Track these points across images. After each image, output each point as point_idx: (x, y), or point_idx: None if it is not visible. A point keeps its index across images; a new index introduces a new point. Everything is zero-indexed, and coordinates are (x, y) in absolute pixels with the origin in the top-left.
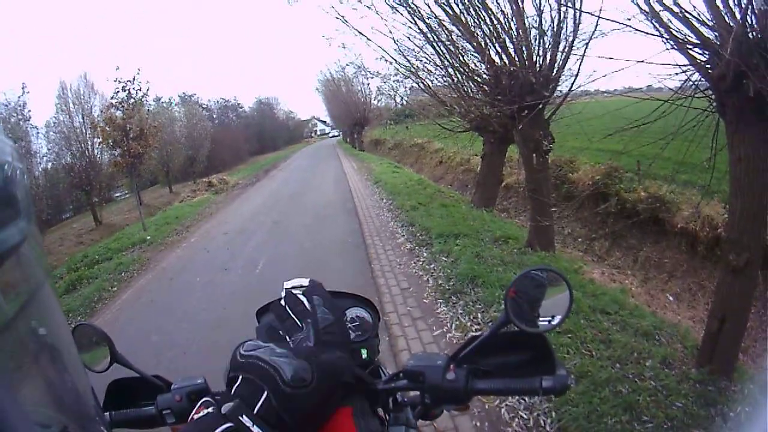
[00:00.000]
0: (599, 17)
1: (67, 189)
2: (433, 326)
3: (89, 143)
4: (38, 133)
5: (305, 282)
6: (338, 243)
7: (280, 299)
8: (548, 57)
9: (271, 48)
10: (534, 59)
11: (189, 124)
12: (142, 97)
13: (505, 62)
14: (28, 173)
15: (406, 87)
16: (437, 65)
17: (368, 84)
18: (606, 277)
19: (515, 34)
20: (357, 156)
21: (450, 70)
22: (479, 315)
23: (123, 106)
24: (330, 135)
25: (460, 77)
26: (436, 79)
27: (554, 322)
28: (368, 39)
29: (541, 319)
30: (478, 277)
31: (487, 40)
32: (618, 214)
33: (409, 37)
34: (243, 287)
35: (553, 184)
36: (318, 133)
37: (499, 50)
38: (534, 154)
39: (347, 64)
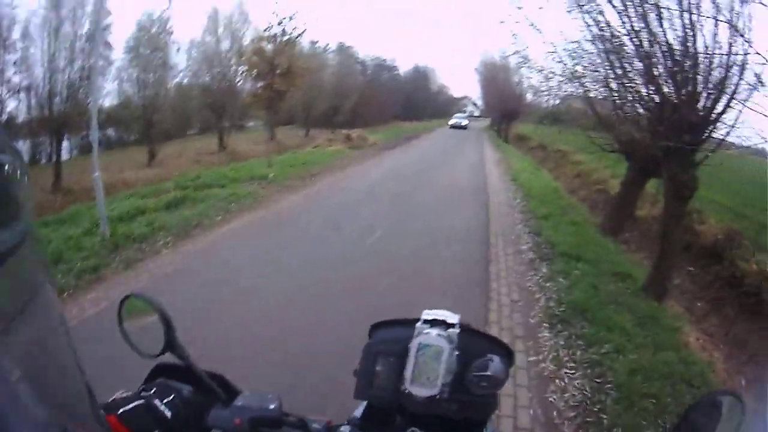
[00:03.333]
0: None
1: (198, 108)
2: (531, 351)
3: (232, 69)
4: (179, 48)
5: (450, 318)
6: (462, 233)
7: (409, 322)
8: (711, 98)
9: (439, 18)
10: (698, 97)
11: (340, 74)
12: (297, 36)
13: (671, 92)
14: (152, 92)
15: (565, 91)
16: (602, 76)
17: (529, 78)
18: (699, 343)
19: (686, 64)
20: (500, 147)
21: (613, 84)
22: (578, 353)
23: (275, 41)
24: (478, 118)
25: (623, 95)
26: (598, 91)
27: None
28: (540, 32)
29: None
30: (588, 311)
31: (659, 64)
32: (725, 281)
33: (580, 41)
34: (352, 255)
35: None
36: (467, 113)
37: (669, 78)
38: (675, 197)
39: (513, 53)
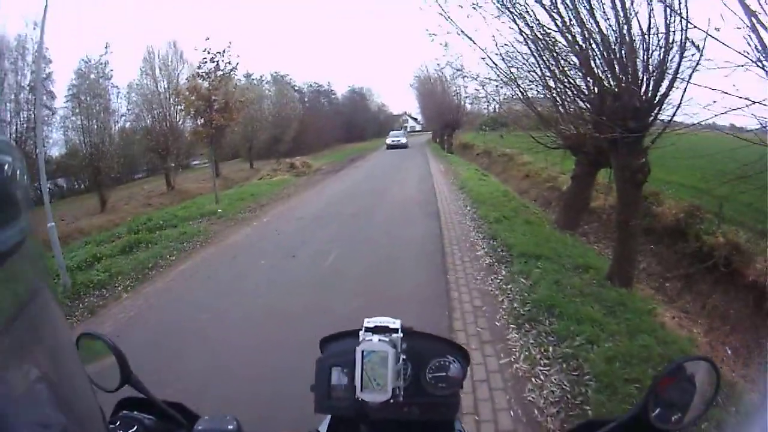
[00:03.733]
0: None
1: (143, 151)
2: (501, 353)
3: (172, 109)
4: (119, 93)
5: (392, 324)
6: (416, 246)
7: (356, 332)
8: (652, 81)
9: (370, 38)
10: (639, 82)
11: (278, 103)
12: (231, 70)
13: (610, 82)
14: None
15: (503, 95)
16: (538, 76)
17: (466, 87)
18: (675, 322)
19: (623, 52)
20: (445, 158)
21: (551, 82)
22: (551, 348)
23: (210, 77)
24: (419, 132)
25: (562, 91)
26: (537, 90)
27: (689, 417)
28: (472, 40)
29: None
30: (555, 306)
31: (595, 56)
32: (693, 257)
33: (512, 44)
34: (309, 279)
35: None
36: (408, 129)
37: (606, 68)
38: (628, 184)
39: (446, 64)
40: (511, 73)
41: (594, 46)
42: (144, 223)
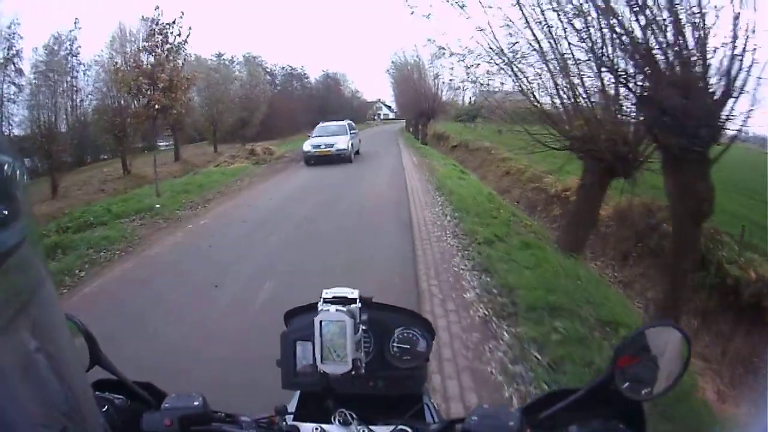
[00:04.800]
0: None
1: (100, 132)
2: None
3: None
4: (86, 70)
5: (351, 293)
6: (381, 276)
7: (315, 305)
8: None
9: (346, 23)
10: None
11: (248, 85)
12: (181, 44)
13: (674, 69)
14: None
15: (500, 83)
16: (558, 61)
17: (445, 73)
18: (694, 369)
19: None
20: (418, 150)
21: (556, 64)
22: None
23: (155, 51)
24: (392, 120)
25: (576, 84)
26: (543, 80)
27: (658, 389)
28: (462, 7)
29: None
30: None
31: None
32: (713, 288)
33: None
34: (225, 331)
35: (635, 232)
36: (381, 117)
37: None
38: (688, 217)
39: (428, 41)
40: (511, 54)
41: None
42: (77, 217)
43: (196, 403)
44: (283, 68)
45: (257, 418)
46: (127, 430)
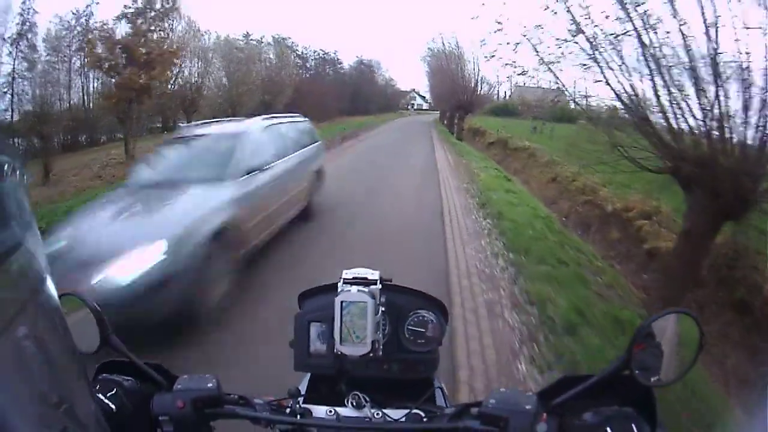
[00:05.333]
0: None
1: (103, 113)
2: None
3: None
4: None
5: (371, 275)
6: None
7: (334, 286)
8: None
9: (382, 10)
10: None
11: (275, 67)
12: (168, 9)
13: None
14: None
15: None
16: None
17: (514, 65)
18: None
19: None
20: (454, 146)
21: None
22: None
23: (136, 19)
24: (425, 111)
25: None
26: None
27: (671, 376)
28: None
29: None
30: None
31: None
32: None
33: None
34: None
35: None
36: (414, 107)
37: None
38: None
39: (474, 17)
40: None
41: None
42: (65, 212)
43: (209, 385)
44: (315, 52)
45: (270, 400)
46: (137, 412)
